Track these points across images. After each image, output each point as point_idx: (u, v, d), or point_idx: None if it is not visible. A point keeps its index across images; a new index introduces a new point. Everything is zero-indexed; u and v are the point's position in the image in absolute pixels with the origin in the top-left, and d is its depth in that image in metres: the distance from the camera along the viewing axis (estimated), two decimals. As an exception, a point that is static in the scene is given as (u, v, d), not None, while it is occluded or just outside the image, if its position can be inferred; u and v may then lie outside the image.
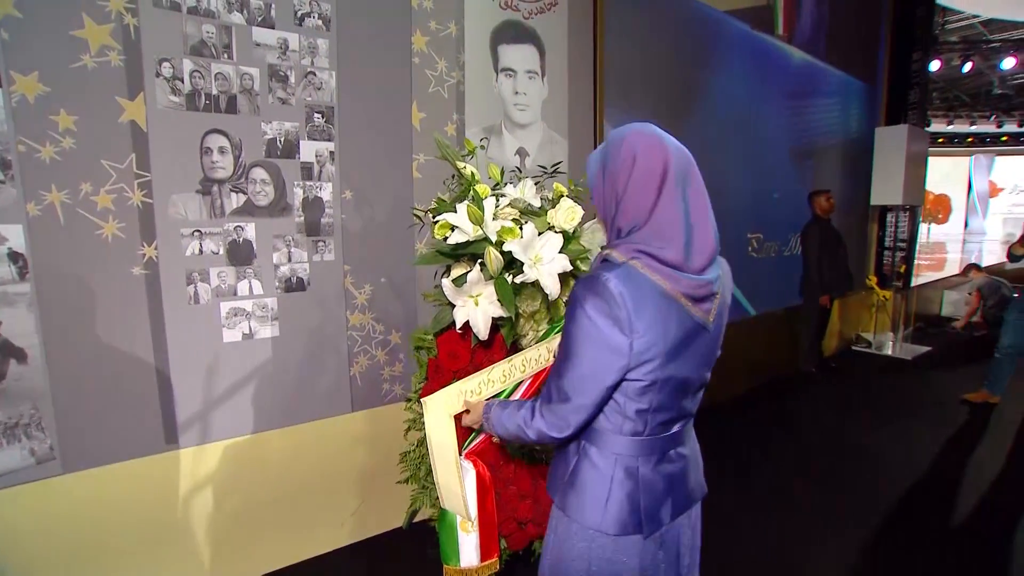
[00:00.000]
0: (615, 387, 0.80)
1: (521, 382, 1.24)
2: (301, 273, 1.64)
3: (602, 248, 0.86)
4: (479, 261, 1.06)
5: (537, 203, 1.24)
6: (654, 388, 0.79)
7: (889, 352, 4.20)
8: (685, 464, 0.88)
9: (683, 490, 0.87)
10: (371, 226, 1.77)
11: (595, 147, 2.58)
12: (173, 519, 1.47)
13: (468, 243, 1.10)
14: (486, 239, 1.08)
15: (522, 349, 1.26)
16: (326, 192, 1.67)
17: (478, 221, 0.98)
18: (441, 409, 1.09)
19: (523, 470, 1.22)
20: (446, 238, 1.15)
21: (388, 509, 1.85)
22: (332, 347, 1.71)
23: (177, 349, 1.45)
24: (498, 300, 1.09)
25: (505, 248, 1.03)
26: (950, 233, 11.85)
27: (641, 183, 0.77)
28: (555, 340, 1.29)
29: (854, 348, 4.34)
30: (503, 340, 1.21)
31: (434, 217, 1.20)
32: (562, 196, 1.28)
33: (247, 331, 1.56)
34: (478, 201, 0.97)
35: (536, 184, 1.32)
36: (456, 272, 1.15)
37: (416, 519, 1.52)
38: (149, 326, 1.41)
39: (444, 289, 1.06)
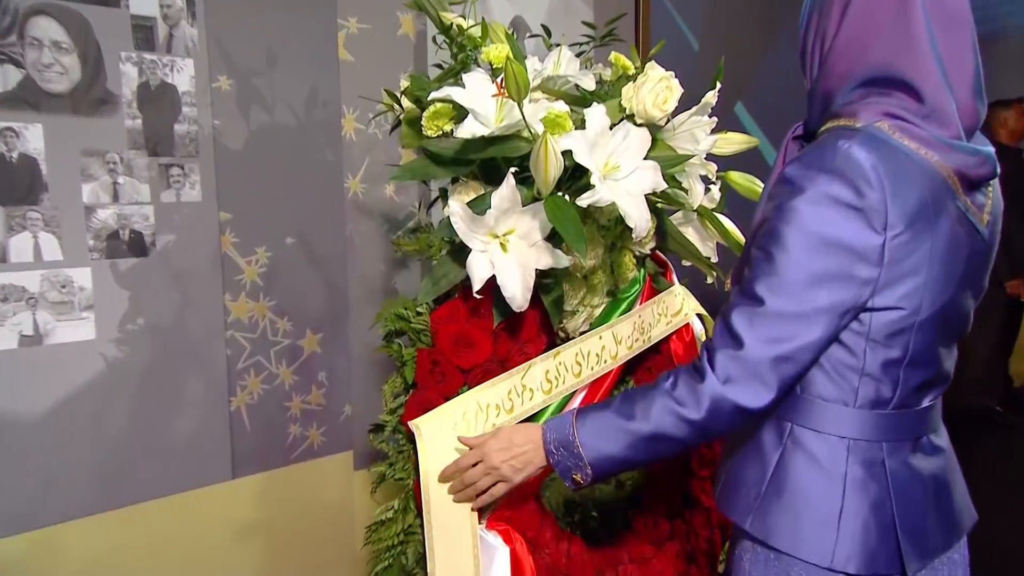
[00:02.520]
0: (849, 321, 0.87)
1: (573, 394, 1.28)
2: (138, 224, 1.63)
3: (809, 127, 0.95)
4: (512, 170, 1.08)
5: (590, 84, 1.29)
6: (913, 324, 0.87)
7: None
8: (945, 463, 0.96)
9: (950, 504, 0.95)
10: (268, 142, 1.76)
11: (636, 14, 2.70)
12: None
13: (490, 141, 1.12)
14: (521, 133, 1.11)
15: (568, 340, 1.30)
16: (183, 76, 1.66)
17: (520, 93, 1.01)
18: (448, 438, 1.11)
19: (578, 547, 1.25)
20: (446, 134, 1.17)
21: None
22: (197, 360, 1.70)
23: None
24: (545, 239, 1.12)
25: (561, 147, 1.06)
26: None
27: (864, 12, 0.87)
28: (623, 324, 1.34)
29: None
30: (540, 320, 1.25)
31: (419, 102, 1.22)
32: (628, 72, 1.34)
33: (30, 331, 1.52)
34: (511, 67, 1.00)
35: (578, 56, 1.37)
36: (461, 196, 1.17)
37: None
38: None
39: (453, 220, 1.08)
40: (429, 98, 1.17)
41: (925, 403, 0.94)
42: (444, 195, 1.27)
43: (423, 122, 1.20)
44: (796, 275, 0.84)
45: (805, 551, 0.89)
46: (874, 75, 0.88)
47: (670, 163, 1.23)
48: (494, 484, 1.07)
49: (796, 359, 0.87)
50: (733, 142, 1.40)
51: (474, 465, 1.07)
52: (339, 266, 1.89)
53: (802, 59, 0.98)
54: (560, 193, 1.11)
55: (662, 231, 1.41)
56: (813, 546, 0.89)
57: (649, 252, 1.43)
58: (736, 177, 1.43)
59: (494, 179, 1.20)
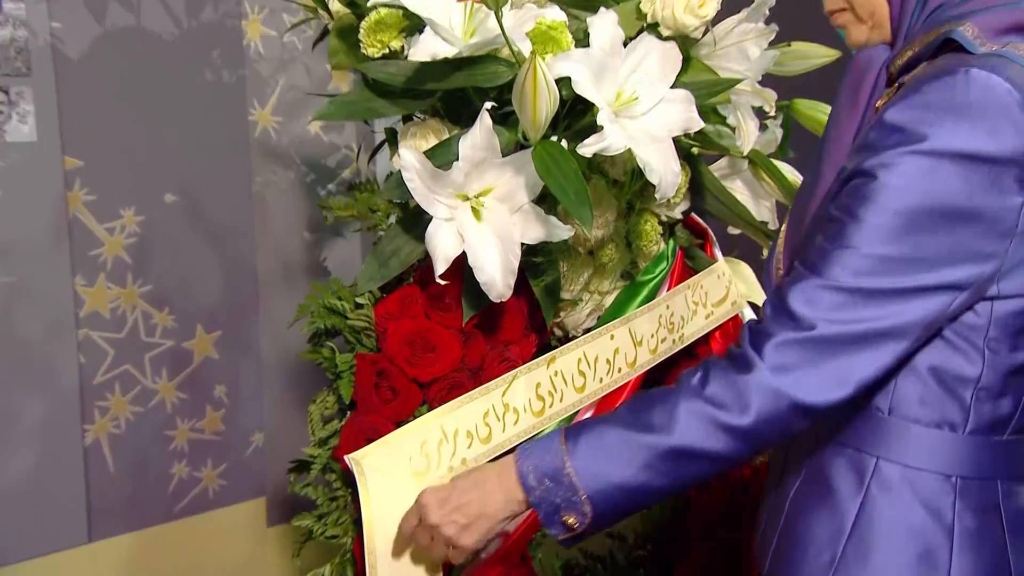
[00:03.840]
0: (960, 311, 0.91)
1: (575, 417, 1.33)
2: (-53, 176, 1.64)
3: (909, 47, 0.99)
4: (487, 105, 1.12)
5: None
6: None
7: None
8: None
9: None
10: (134, 55, 1.78)
11: None
12: None
13: (457, 64, 1.16)
14: (499, 53, 1.15)
15: (567, 340, 1.35)
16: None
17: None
18: (401, 479, 1.15)
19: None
20: (394, 53, 1.21)
21: None
22: (35, 372, 1.71)
23: None
24: (534, 202, 1.16)
25: (555, 72, 1.10)
26: None
27: None
28: (644, 318, 1.39)
29: None
30: (528, 314, 1.30)
31: (354, 5, 1.25)
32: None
33: None
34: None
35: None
36: (417, 142, 1.21)
37: None
38: None
39: (406, 176, 1.12)
40: (370, 2, 1.19)
41: None
42: (392, 139, 1.29)
43: (361, 36, 1.22)
44: (891, 251, 0.88)
45: None
46: None
47: (710, 91, 1.27)
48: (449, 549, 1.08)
49: (881, 347, 0.89)
50: (804, 56, 1.42)
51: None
52: (243, 235, 1.90)
53: None
54: (555, 137, 1.14)
55: (699, 187, 1.44)
56: None
57: (681, 217, 1.47)
58: (805, 108, 1.46)
59: (462, 118, 1.24)
